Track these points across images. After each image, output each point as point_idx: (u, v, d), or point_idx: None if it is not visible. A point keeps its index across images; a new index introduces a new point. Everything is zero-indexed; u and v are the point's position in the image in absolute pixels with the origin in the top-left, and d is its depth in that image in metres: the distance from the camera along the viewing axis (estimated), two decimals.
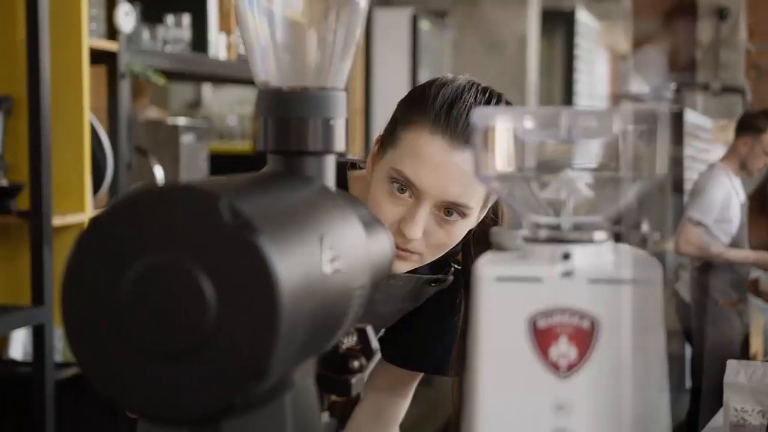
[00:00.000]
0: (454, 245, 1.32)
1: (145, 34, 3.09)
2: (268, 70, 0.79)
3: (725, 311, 4.34)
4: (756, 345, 4.57)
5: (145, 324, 0.61)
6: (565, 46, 7.76)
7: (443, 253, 1.33)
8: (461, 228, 1.30)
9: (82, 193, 2.62)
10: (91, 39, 2.70)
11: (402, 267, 1.31)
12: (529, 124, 0.70)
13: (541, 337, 0.67)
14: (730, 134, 8.59)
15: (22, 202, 2.52)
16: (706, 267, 4.37)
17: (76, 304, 0.63)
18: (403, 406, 1.57)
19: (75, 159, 2.61)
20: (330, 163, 0.80)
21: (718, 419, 2.11)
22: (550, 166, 0.72)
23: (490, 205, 1.35)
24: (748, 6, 9.81)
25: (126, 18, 2.80)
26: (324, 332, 0.71)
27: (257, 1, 0.79)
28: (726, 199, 4.32)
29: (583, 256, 0.68)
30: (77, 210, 2.62)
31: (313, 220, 0.69)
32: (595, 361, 0.67)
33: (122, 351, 0.62)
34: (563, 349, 0.67)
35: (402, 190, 1.26)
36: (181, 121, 3.36)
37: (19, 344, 2.77)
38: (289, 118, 0.77)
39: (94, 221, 0.63)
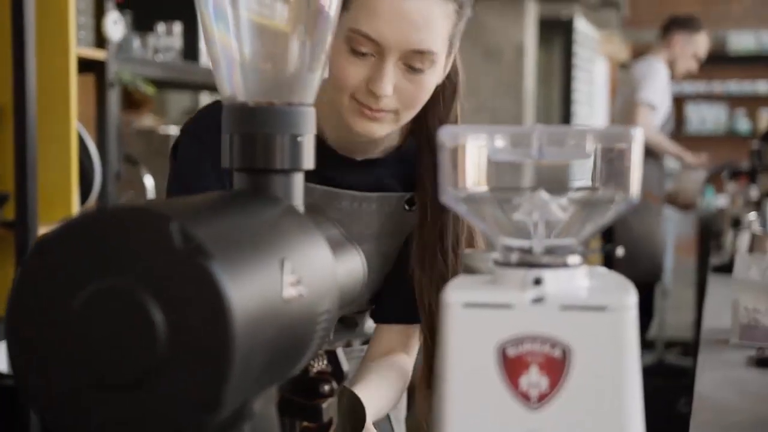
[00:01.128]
0: (426, 98, 1.29)
1: (136, 42, 3.06)
2: (234, 85, 0.77)
3: (650, 205, 4.43)
4: None
5: (93, 352, 0.58)
6: (564, 54, 7.74)
7: (418, 109, 1.30)
8: (430, 79, 1.27)
9: (69, 203, 2.59)
10: (79, 47, 2.67)
11: (379, 129, 1.29)
12: (499, 143, 0.67)
13: (511, 366, 0.65)
14: (614, 46, 8.66)
15: (8, 212, 2.49)
16: None
17: (22, 330, 0.60)
18: (411, 364, 1.50)
19: (62, 168, 2.58)
20: (298, 181, 0.77)
21: (721, 320, 1.94)
22: (521, 187, 0.69)
23: (454, 52, 1.33)
24: None
25: (115, 26, 2.77)
26: (285, 360, 0.68)
27: (222, 13, 0.76)
28: (665, 83, 4.45)
29: (556, 281, 0.66)
30: (64, 220, 2.59)
31: (274, 243, 0.66)
32: (568, 392, 0.65)
33: (70, 380, 0.59)
34: (534, 379, 0.65)
35: (363, 53, 1.24)
36: (173, 130, 3.33)
37: (4, 356, 2.74)
38: (255, 134, 0.75)
39: (42, 243, 0.60)
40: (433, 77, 1.27)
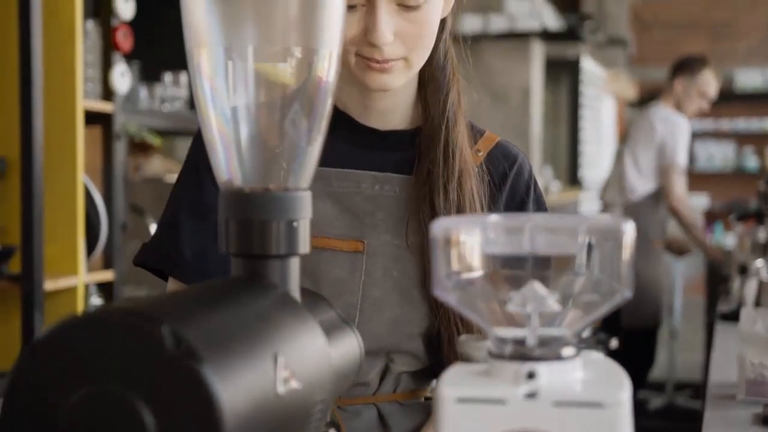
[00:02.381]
0: (433, 36, 1.22)
1: (143, 92, 3.08)
2: (230, 170, 0.77)
3: (652, 249, 4.43)
4: None
5: None
6: (571, 94, 7.77)
7: (429, 50, 1.22)
8: (431, 12, 1.19)
9: (75, 256, 2.60)
10: (86, 100, 2.68)
11: (392, 80, 1.21)
12: (491, 234, 0.67)
13: None
14: (621, 84, 8.70)
15: (14, 265, 2.49)
16: (640, 204, 4.47)
17: None
18: None
19: (68, 221, 2.59)
20: (294, 266, 0.77)
21: (728, 374, 1.91)
22: (515, 278, 0.69)
23: None
24: None
25: (122, 79, 2.79)
26: None
27: (219, 99, 0.77)
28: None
29: (550, 375, 0.65)
30: (70, 273, 2.59)
31: (268, 337, 0.66)
32: None
33: None
34: None
35: (353, 5, 1.15)
36: None
37: None
38: (251, 220, 0.75)
39: (34, 346, 0.60)
40: (434, 10, 1.20)
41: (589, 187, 7.79)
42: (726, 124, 10.18)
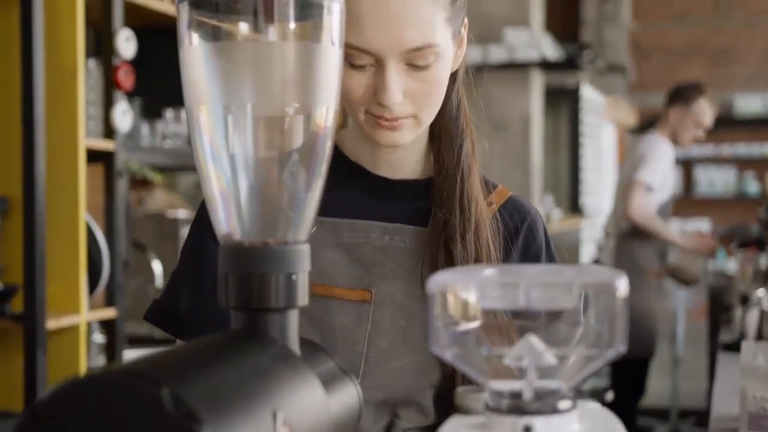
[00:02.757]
0: (443, 93, 1.21)
1: (144, 128, 3.10)
2: (230, 224, 0.78)
3: (648, 280, 4.40)
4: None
5: None
6: (571, 122, 7.79)
7: (438, 106, 1.22)
8: (440, 71, 1.18)
9: (77, 294, 2.60)
10: (88, 139, 2.70)
11: (402, 137, 1.21)
12: (487, 289, 0.68)
13: None
14: (621, 111, 8.69)
15: (16, 304, 2.50)
16: (632, 234, 4.42)
17: None
18: None
19: (70, 260, 2.60)
20: (293, 318, 0.78)
21: (730, 406, 1.90)
22: (511, 331, 0.70)
23: (464, 34, 1.25)
24: None
25: (123, 117, 2.81)
26: None
27: (218, 153, 0.78)
28: (667, 166, 4.46)
29: (547, 428, 0.66)
30: (72, 312, 2.60)
31: (267, 394, 0.67)
32: None
33: None
34: None
35: (362, 65, 1.15)
36: (182, 213, 3.36)
37: None
38: (251, 274, 0.76)
39: (35, 408, 0.61)
40: (443, 68, 1.19)
41: (591, 214, 7.80)
42: (726, 149, 10.22)
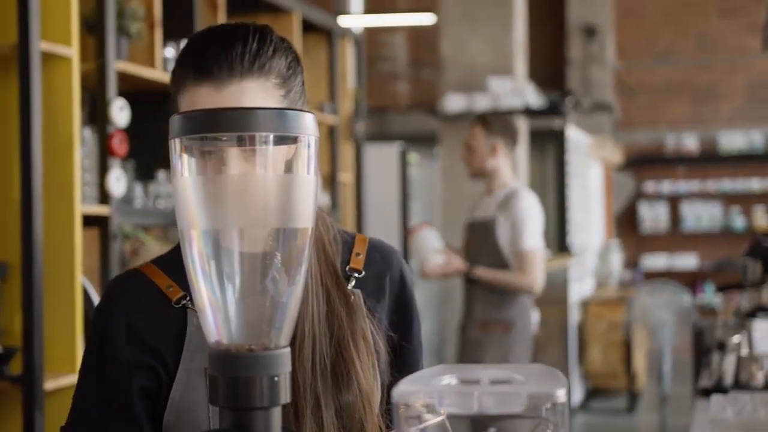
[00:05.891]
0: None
1: (138, 190, 3.20)
2: (219, 332, 0.89)
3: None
4: None
5: None
6: (557, 162, 7.91)
7: None
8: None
9: (74, 355, 2.69)
10: (84, 205, 2.80)
11: None
12: (445, 400, 0.78)
13: None
14: (607, 150, 8.74)
15: (15, 366, 2.58)
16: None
17: None
18: None
19: (68, 322, 2.68)
20: (276, 415, 0.88)
21: None
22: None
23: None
24: (615, 25, 10.15)
25: (117, 183, 2.91)
26: None
27: (207, 273, 0.89)
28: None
29: None
30: (70, 372, 2.68)
31: None
32: None
33: None
34: None
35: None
36: None
37: None
38: (237, 378, 0.86)
39: None
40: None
41: (578, 253, 7.90)
42: (712, 185, 10.35)
